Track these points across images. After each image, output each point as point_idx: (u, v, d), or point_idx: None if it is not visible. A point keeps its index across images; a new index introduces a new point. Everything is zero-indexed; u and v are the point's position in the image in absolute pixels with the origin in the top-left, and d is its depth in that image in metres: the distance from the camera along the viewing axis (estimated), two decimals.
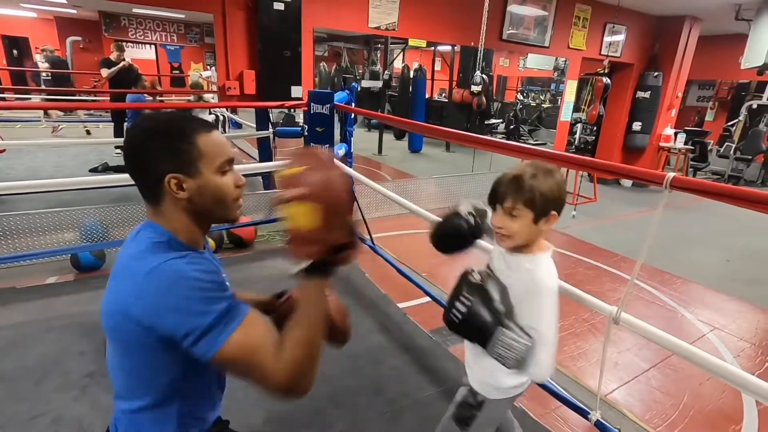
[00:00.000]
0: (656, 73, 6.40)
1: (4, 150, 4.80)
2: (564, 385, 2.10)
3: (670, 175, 1.13)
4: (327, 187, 0.68)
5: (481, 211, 1.15)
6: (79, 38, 10.37)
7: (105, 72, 5.95)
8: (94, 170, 5.26)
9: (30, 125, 7.83)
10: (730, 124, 8.85)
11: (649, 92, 6.47)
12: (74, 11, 9.43)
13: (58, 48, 10.61)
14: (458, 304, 0.98)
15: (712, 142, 8.45)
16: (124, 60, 5.95)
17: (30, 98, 9.64)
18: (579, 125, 9.67)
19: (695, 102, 10.94)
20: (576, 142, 9.82)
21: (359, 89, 9.43)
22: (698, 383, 2.23)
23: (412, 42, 8.35)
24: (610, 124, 6.86)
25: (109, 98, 6.56)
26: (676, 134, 6.93)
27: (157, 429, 0.82)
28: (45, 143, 6.28)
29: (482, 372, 1.18)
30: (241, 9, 3.45)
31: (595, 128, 7.24)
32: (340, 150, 3.40)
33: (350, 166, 3.47)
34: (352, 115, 3.50)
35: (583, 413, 1.61)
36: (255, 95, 3.65)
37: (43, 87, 9.14)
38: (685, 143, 7.12)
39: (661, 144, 6.90)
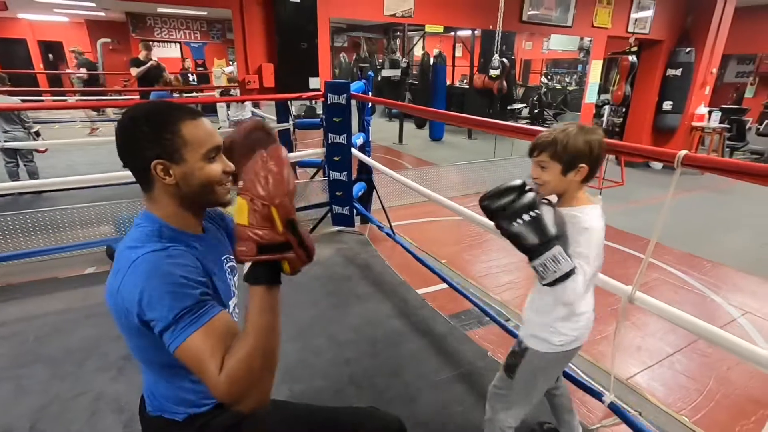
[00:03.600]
0: (688, 49, 6.09)
1: (46, 149, 5.06)
2: (584, 368, 2.10)
3: (682, 153, 1.10)
4: (258, 180, 0.65)
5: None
6: (109, 40, 10.73)
7: (134, 71, 6.21)
8: None
9: (68, 126, 8.23)
10: None
11: (681, 69, 6.17)
12: (103, 14, 9.77)
13: (90, 50, 11.07)
14: (525, 215, 1.02)
15: (751, 120, 8.00)
16: (151, 59, 6.19)
17: (66, 99, 10.14)
18: (607, 107, 9.34)
19: (734, 78, 10.35)
20: (604, 125, 9.52)
21: (379, 78, 9.40)
22: (726, 368, 2.18)
23: (428, 28, 8.24)
24: (639, 104, 6.60)
25: (139, 96, 6.82)
26: (710, 113, 6.60)
27: (173, 396, 0.89)
28: (82, 142, 6.59)
29: (533, 325, 1.27)
30: (258, 3, 3.50)
31: (623, 109, 6.98)
32: (359, 139, 3.44)
33: (368, 155, 3.51)
34: (370, 105, 3.52)
35: (598, 396, 1.61)
36: (274, 88, 3.72)
37: (77, 88, 9.54)
38: (721, 122, 6.78)
39: (694, 123, 6.59)
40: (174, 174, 0.80)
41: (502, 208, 1.04)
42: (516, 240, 1.05)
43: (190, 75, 10.42)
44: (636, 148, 1.21)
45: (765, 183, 0.96)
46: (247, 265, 0.68)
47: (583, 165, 1.09)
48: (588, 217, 1.12)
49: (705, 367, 2.18)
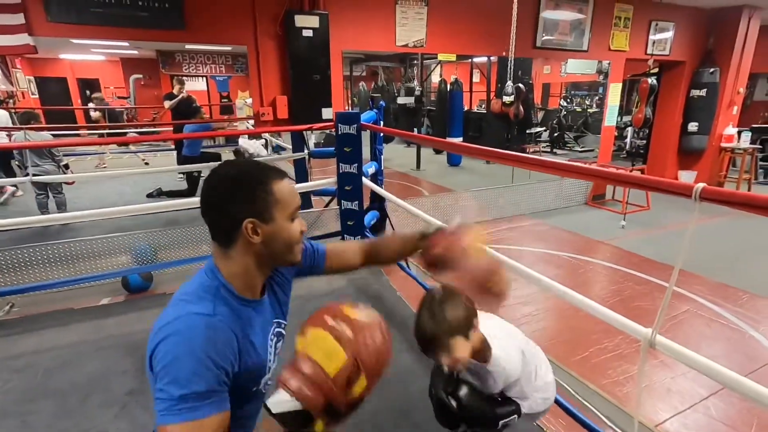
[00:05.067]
0: (712, 69, 5.92)
1: (74, 182, 5.29)
2: (608, 413, 1.94)
3: (699, 185, 1.02)
4: (373, 352, 0.63)
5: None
6: (141, 76, 11.35)
7: (167, 103, 6.58)
8: (150, 195, 5.66)
9: (98, 158, 8.63)
10: None
11: (705, 90, 5.99)
12: (136, 52, 10.37)
13: (123, 86, 11.72)
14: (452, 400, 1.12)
15: None
16: (183, 93, 6.56)
17: (98, 133, 10.73)
18: (629, 129, 9.14)
19: (764, 96, 10.00)
20: (627, 147, 9.29)
21: (397, 106, 9.53)
22: None
23: (441, 56, 8.35)
24: (663, 126, 6.42)
25: (172, 129, 7.15)
26: (739, 133, 6.35)
27: None
28: (107, 174, 6.88)
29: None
30: (272, 38, 3.62)
31: (646, 131, 6.80)
32: (370, 168, 3.44)
33: (380, 184, 3.49)
34: (381, 134, 3.53)
35: None
36: (288, 119, 3.79)
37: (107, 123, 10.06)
38: (753, 142, 6.50)
39: (723, 144, 6.34)
40: (262, 233, 0.80)
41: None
42: None
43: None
44: (649, 180, 1.13)
45: None
46: (282, 396, 0.64)
47: (475, 319, 1.08)
48: (511, 369, 1.18)
49: (745, 412, 1.99)
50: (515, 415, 1.19)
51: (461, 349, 1.05)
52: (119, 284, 3.15)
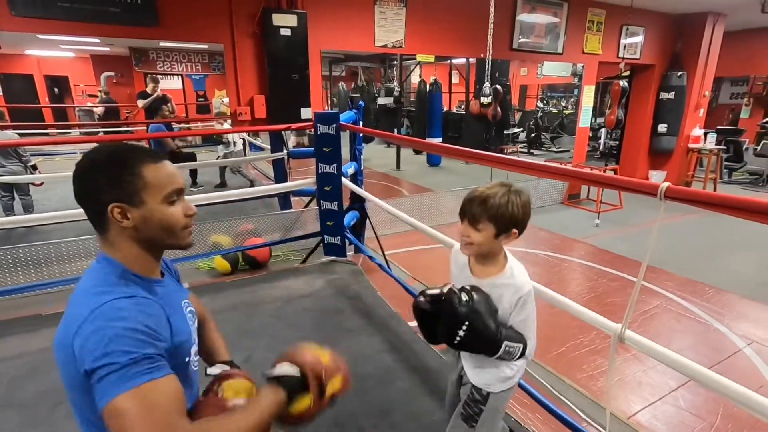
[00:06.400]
0: (680, 73, 6.16)
1: (42, 183, 5.09)
2: (582, 406, 1.99)
3: (664, 185, 1.06)
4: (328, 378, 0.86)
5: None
6: (113, 73, 11.01)
7: (141, 102, 6.41)
8: None
9: (68, 158, 8.33)
10: (765, 120, 8.38)
11: (674, 93, 6.22)
12: (107, 49, 10.05)
13: (94, 84, 11.33)
14: (459, 331, 1.06)
15: (747, 140, 8.02)
16: (157, 91, 6.40)
17: (69, 132, 10.33)
18: (603, 130, 9.40)
19: (728, 99, 10.44)
20: (601, 148, 9.56)
21: (377, 107, 9.53)
22: (733, 403, 2.06)
23: (420, 57, 8.38)
24: (634, 127, 6.63)
25: (146, 128, 6.95)
26: (705, 134, 6.62)
27: None
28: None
29: (484, 370, 1.24)
30: (249, 37, 3.57)
31: (618, 133, 7.01)
32: (350, 168, 3.43)
33: (360, 184, 3.49)
34: (361, 134, 3.53)
35: None
36: (266, 119, 3.74)
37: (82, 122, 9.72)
38: (718, 143, 6.78)
39: (690, 145, 6.60)
40: (132, 217, 0.78)
41: (436, 334, 1.12)
42: (467, 351, 1.14)
43: None
44: (618, 180, 1.17)
45: (753, 218, 0.90)
46: (284, 366, 0.84)
47: (516, 230, 1.11)
48: (523, 280, 1.14)
49: (711, 402, 2.07)
50: (521, 345, 1.10)
51: (487, 232, 1.09)
52: None
